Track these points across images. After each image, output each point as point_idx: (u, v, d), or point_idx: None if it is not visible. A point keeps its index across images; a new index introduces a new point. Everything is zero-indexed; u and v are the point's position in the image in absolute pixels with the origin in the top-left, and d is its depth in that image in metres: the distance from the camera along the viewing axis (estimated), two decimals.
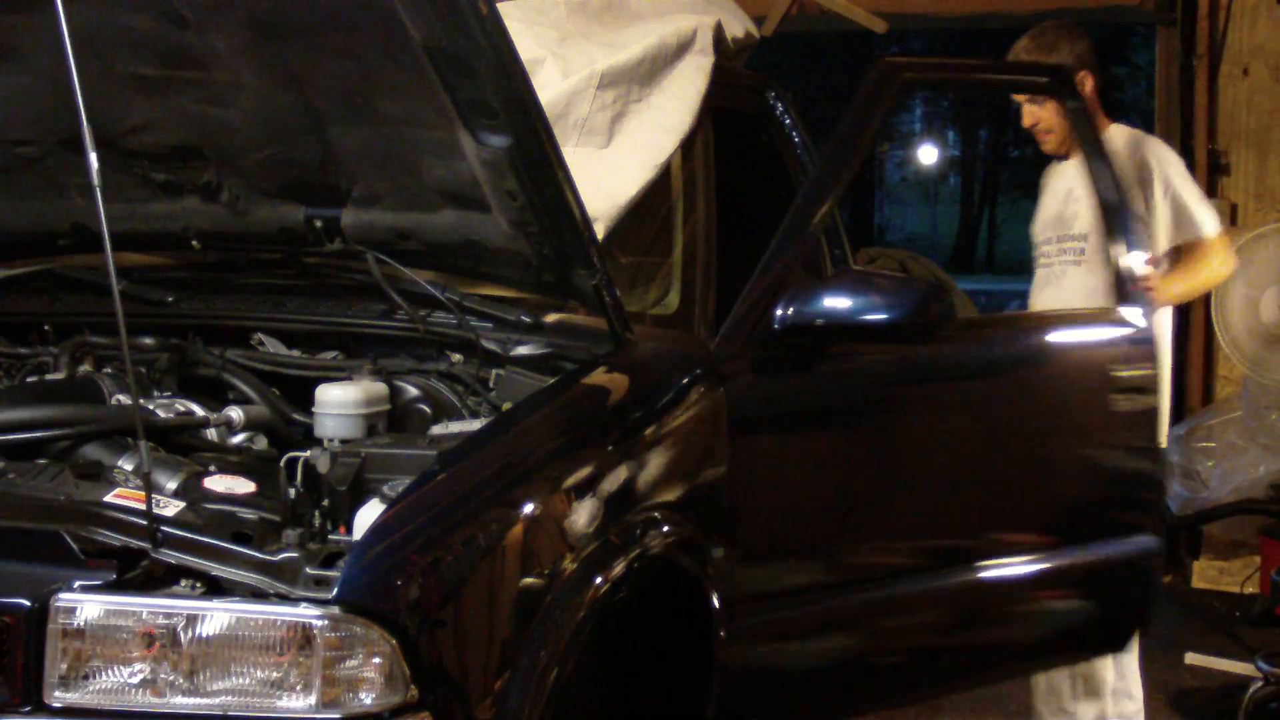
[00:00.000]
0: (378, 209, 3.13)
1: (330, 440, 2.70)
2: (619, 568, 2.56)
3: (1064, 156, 4.34)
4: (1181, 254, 4.18)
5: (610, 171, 3.27)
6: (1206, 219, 4.17)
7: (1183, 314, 7.03)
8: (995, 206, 36.70)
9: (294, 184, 3.17)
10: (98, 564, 2.18)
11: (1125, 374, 3.83)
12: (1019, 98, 4.29)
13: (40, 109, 3.09)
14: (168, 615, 2.14)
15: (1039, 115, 4.26)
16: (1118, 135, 4.27)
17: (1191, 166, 7.00)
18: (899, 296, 3.15)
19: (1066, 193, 4.26)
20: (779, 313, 3.17)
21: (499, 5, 2.62)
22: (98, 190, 2.22)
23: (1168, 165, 4.20)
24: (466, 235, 3.06)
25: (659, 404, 2.93)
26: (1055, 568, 3.71)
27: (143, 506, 2.20)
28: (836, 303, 3.15)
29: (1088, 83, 4.20)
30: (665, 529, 2.78)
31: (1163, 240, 4.15)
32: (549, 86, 3.30)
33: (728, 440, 3.05)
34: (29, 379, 3.07)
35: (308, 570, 2.18)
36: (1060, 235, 4.24)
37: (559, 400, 2.77)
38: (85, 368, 3.07)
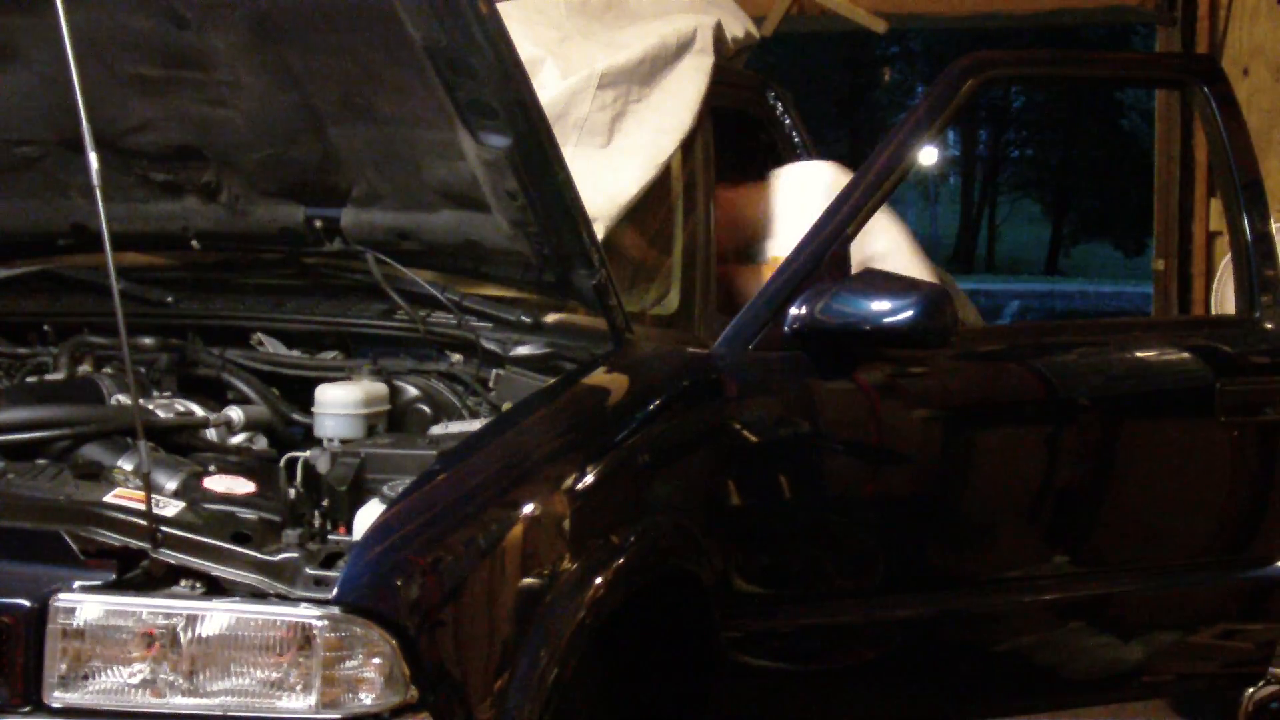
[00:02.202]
0: (378, 209, 3.13)
1: (330, 440, 2.70)
2: (619, 568, 2.56)
3: None
4: None
5: (610, 171, 3.26)
6: None
7: (1183, 310, 7.03)
8: (995, 206, 36.74)
9: (294, 184, 3.17)
10: (98, 564, 2.18)
11: None
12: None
13: (40, 109, 3.09)
14: (168, 615, 2.14)
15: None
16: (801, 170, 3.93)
17: (1192, 166, 7.05)
18: (930, 304, 3.05)
19: None
20: (793, 313, 3.13)
21: (499, 5, 2.62)
22: (98, 190, 2.22)
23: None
24: (466, 235, 3.06)
25: (659, 404, 2.92)
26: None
27: (143, 506, 2.20)
28: (860, 307, 3.07)
29: None
30: (665, 530, 2.78)
31: None
32: (549, 86, 3.30)
33: (729, 442, 3.04)
34: (29, 379, 3.07)
35: (308, 570, 2.19)
36: None
37: (559, 400, 2.77)
38: (85, 368, 3.07)
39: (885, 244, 3.66)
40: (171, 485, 2.50)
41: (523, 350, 3.00)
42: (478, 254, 3.09)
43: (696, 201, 3.40)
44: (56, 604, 2.14)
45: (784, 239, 3.63)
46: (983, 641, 3.52)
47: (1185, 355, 3.72)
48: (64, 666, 2.14)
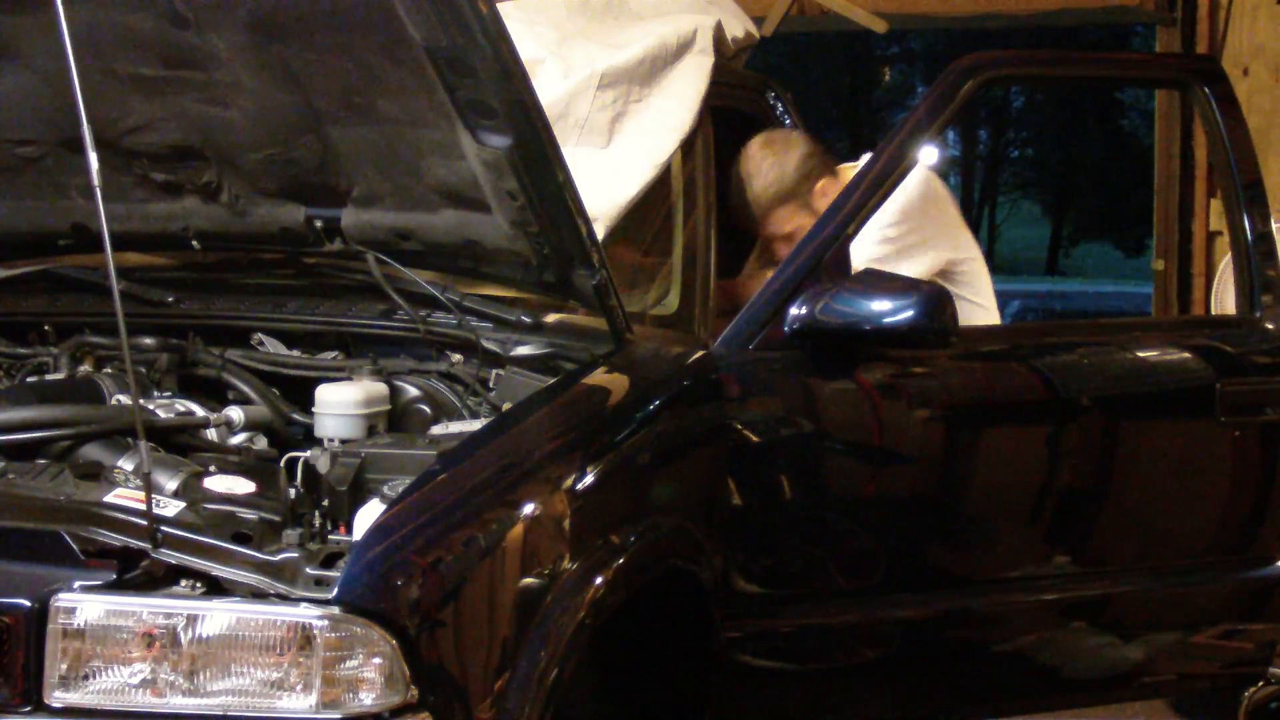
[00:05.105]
0: (378, 209, 3.13)
1: (330, 440, 2.70)
2: (619, 568, 2.56)
3: None
4: None
5: (610, 171, 3.27)
6: None
7: (1183, 310, 7.04)
8: (995, 206, 36.72)
9: (294, 184, 3.17)
10: (98, 564, 2.18)
11: None
12: (768, 200, 3.69)
13: (40, 109, 3.09)
14: (168, 615, 2.14)
15: (803, 224, 3.58)
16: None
17: (1192, 166, 7.05)
18: (930, 304, 3.05)
19: None
20: (793, 313, 3.13)
21: (499, 5, 2.63)
22: (98, 190, 2.22)
23: None
24: (466, 235, 3.06)
25: (659, 404, 2.92)
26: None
27: (143, 506, 2.20)
28: (860, 307, 3.07)
29: (830, 189, 3.64)
30: (665, 530, 2.78)
31: None
32: (549, 87, 3.30)
33: (729, 442, 3.04)
34: (29, 379, 3.07)
35: (308, 570, 2.19)
36: None
37: (559, 400, 2.76)
38: (85, 368, 3.07)
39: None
40: (172, 485, 2.50)
41: (523, 350, 3.00)
42: (478, 254, 3.09)
43: (696, 201, 3.40)
44: (57, 604, 2.14)
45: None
46: (983, 641, 3.52)
47: (1186, 355, 3.72)
48: (64, 666, 2.14)
